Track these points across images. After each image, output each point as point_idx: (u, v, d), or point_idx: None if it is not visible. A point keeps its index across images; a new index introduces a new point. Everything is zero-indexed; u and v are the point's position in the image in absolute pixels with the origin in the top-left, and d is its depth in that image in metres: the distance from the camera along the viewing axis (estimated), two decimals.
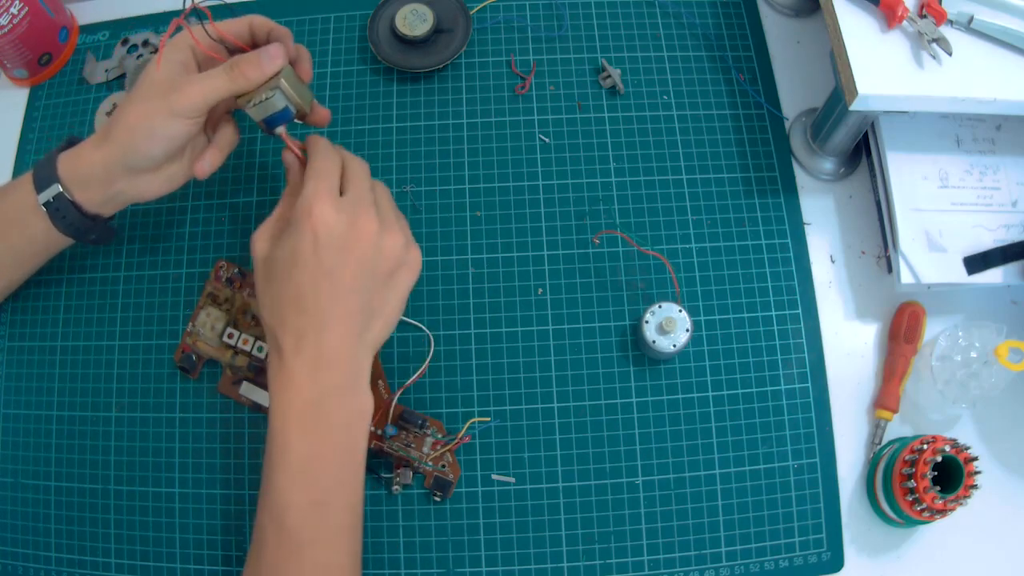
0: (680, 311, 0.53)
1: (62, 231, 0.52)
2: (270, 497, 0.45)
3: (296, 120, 0.52)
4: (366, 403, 0.47)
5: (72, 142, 0.52)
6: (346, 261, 0.46)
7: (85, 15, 0.69)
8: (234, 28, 0.51)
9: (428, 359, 0.56)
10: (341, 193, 0.48)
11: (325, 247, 0.45)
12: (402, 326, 0.57)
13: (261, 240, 0.49)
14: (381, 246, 0.47)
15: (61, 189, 0.50)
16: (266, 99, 0.49)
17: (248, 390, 0.55)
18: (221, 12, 0.67)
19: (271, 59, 0.49)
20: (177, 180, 0.53)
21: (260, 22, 0.51)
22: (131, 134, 0.49)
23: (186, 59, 0.50)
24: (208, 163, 0.52)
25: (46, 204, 0.50)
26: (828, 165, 0.61)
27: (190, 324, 0.57)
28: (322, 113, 0.54)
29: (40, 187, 0.50)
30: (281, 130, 0.51)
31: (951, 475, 0.49)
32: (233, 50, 0.51)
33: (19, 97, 0.67)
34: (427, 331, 0.57)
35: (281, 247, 0.47)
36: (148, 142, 0.49)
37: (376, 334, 0.48)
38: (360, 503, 0.47)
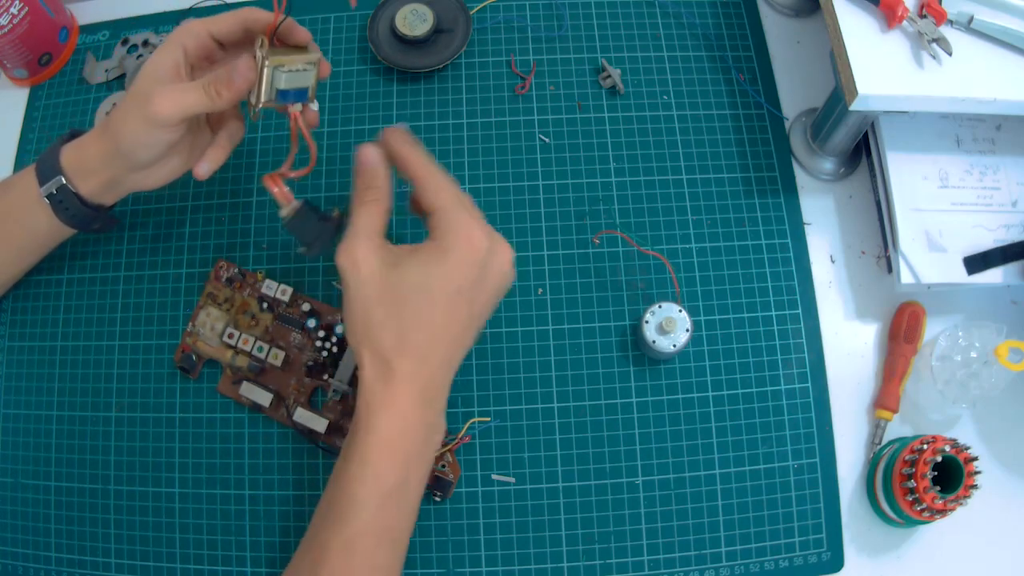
0: (680, 311, 0.53)
1: (65, 222, 0.52)
2: (346, 520, 0.44)
3: (289, 109, 0.49)
4: (443, 433, 0.47)
5: (75, 134, 0.52)
6: (485, 288, 0.45)
7: (85, 15, 0.69)
8: (226, 26, 0.49)
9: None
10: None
11: (480, 275, 0.45)
12: None
13: (369, 255, 0.45)
14: (509, 271, 0.47)
15: (64, 181, 0.50)
16: (302, 70, 0.48)
17: (248, 390, 0.55)
18: (221, 12, 0.67)
19: (241, 77, 0.46)
20: (177, 171, 0.53)
21: (255, 15, 0.49)
22: (119, 136, 0.49)
23: (176, 60, 0.48)
24: (207, 165, 0.51)
25: (49, 196, 0.51)
26: (828, 165, 0.61)
27: (190, 324, 0.57)
28: (312, 114, 0.52)
29: (43, 179, 0.50)
30: (296, 108, 0.49)
31: (951, 475, 0.49)
32: (229, 46, 0.50)
33: (19, 97, 0.67)
34: None
35: (424, 268, 0.44)
36: (132, 146, 0.49)
37: (461, 358, 0.47)
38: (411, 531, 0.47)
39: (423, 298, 0.44)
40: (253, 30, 0.49)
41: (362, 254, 0.45)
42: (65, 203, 0.51)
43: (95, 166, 0.50)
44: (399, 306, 0.44)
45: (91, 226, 0.53)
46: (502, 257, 0.46)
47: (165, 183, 0.53)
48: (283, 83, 0.47)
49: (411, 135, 0.48)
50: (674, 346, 0.53)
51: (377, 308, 0.45)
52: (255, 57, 0.47)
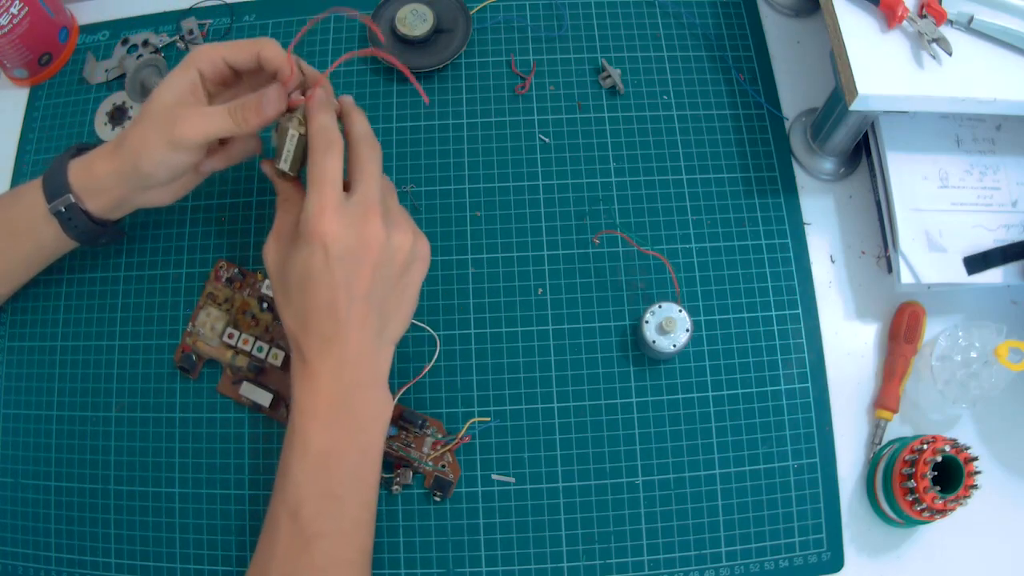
0: (680, 311, 0.53)
1: (73, 238, 0.52)
2: (286, 490, 0.46)
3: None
4: (385, 402, 0.48)
5: (81, 149, 0.53)
6: (359, 271, 0.46)
7: (85, 15, 0.69)
8: (242, 56, 0.49)
9: (433, 360, 0.56)
10: (347, 188, 0.47)
11: (337, 260, 0.45)
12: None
13: (271, 252, 0.49)
14: (391, 249, 0.47)
15: (73, 199, 0.50)
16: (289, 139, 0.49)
17: (248, 390, 0.55)
18: (222, 12, 0.67)
19: (271, 106, 0.48)
20: (188, 188, 0.54)
21: (270, 54, 0.49)
22: (135, 157, 0.49)
23: (194, 82, 0.49)
24: (210, 166, 0.52)
25: (57, 213, 0.51)
26: (828, 165, 0.61)
27: (190, 324, 0.57)
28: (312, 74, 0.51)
29: (51, 196, 0.51)
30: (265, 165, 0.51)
31: (951, 475, 0.49)
32: (242, 72, 0.50)
33: (19, 97, 0.67)
34: (432, 332, 0.57)
35: (293, 262, 0.47)
36: (150, 167, 0.49)
37: (394, 331, 0.49)
38: (374, 501, 0.48)
39: (299, 286, 0.46)
40: (267, 67, 0.50)
41: (266, 251, 0.49)
42: (74, 220, 0.51)
43: (106, 185, 0.51)
44: (290, 294, 0.47)
45: (99, 241, 0.54)
46: (401, 239, 0.48)
47: (175, 200, 0.53)
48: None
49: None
50: (674, 346, 0.53)
51: (282, 300, 0.48)
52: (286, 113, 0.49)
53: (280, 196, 0.51)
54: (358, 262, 0.46)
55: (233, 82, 0.52)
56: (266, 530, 0.47)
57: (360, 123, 0.49)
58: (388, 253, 0.47)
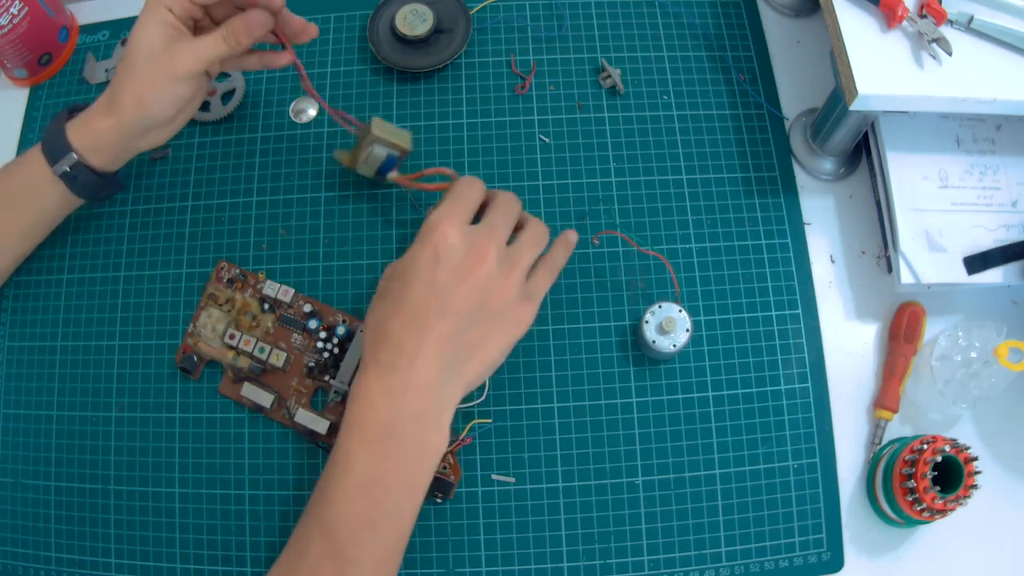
0: (680, 311, 0.53)
1: (78, 194, 0.54)
2: (323, 508, 0.45)
3: (402, 158, 0.56)
4: (441, 441, 0.47)
5: (73, 111, 0.54)
6: (458, 284, 0.46)
7: (85, 15, 0.69)
8: None
9: None
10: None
11: (443, 264, 0.46)
12: None
13: (390, 266, 0.49)
14: (492, 285, 0.47)
15: (76, 157, 0.52)
16: (369, 155, 0.54)
17: (249, 391, 0.55)
18: None
19: (259, 25, 0.50)
20: (182, 124, 0.55)
21: None
22: (141, 102, 0.51)
23: (168, 20, 0.50)
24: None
25: (63, 175, 0.52)
26: (828, 165, 0.61)
27: (191, 325, 0.57)
28: (307, 30, 0.55)
29: (54, 159, 0.52)
30: (393, 175, 0.55)
31: (951, 475, 0.49)
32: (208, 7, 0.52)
33: (19, 97, 0.67)
34: None
35: (403, 260, 0.47)
36: (160, 106, 0.51)
37: (469, 373, 0.47)
38: (409, 532, 0.47)
39: (398, 286, 0.47)
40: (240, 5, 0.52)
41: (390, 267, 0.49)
42: (80, 178, 0.53)
43: (108, 139, 0.52)
44: (386, 296, 0.48)
45: (101, 195, 0.56)
46: (505, 284, 0.47)
47: (171, 137, 0.55)
48: (368, 172, 0.55)
49: None
50: (674, 346, 0.53)
51: (376, 303, 0.48)
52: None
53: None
54: (460, 277, 0.46)
55: (206, 24, 0.53)
56: (295, 543, 0.46)
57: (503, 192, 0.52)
58: (488, 286, 0.47)
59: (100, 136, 0.52)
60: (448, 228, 0.46)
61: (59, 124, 0.52)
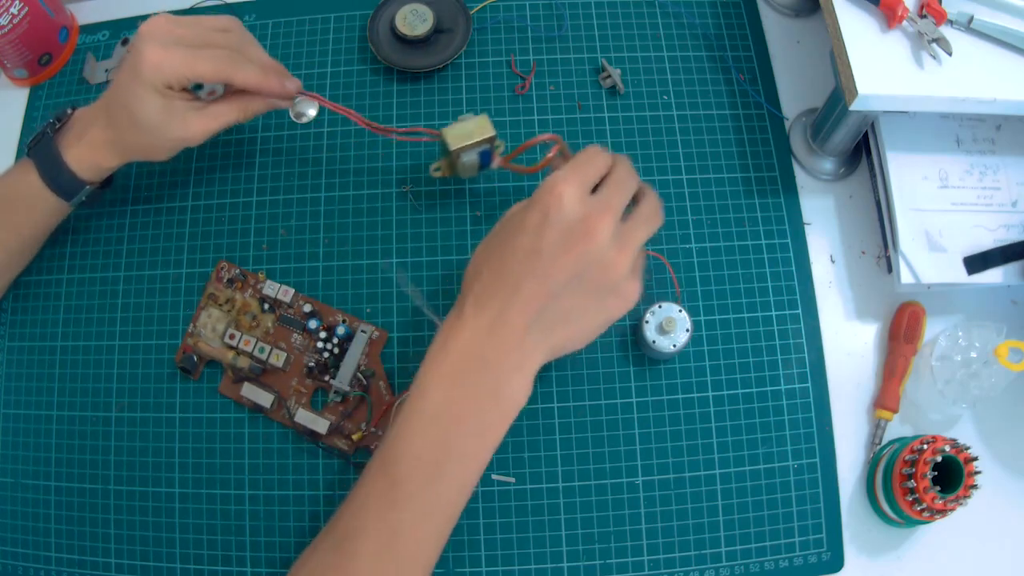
0: (680, 311, 0.53)
1: (76, 207, 0.56)
2: (388, 441, 0.45)
3: (493, 144, 0.55)
4: (522, 387, 0.45)
5: (60, 118, 0.54)
6: (561, 251, 0.44)
7: (85, 15, 0.69)
8: (208, 76, 0.51)
9: None
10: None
11: (550, 227, 0.44)
12: (407, 325, 0.57)
13: (512, 208, 0.48)
14: (601, 257, 0.45)
15: (90, 188, 0.55)
16: (462, 165, 0.54)
17: (249, 391, 0.55)
18: (222, 12, 0.67)
19: (270, 105, 0.54)
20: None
21: (241, 80, 0.52)
22: (149, 152, 0.54)
23: (169, 98, 0.51)
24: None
25: (79, 204, 0.56)
26: (828, 165, 0.61)
27: (191, 325, 0.57)
28: (285, 86, 0.54)
29: (68, 194, 0.54)
30: (496, 163, 0.55)
31: (951, 475, 0.49)
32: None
33: (19, 97, 0.67)
34: (437, 319, 0.57)
35: (515, 214, 0.46)
36: (167, 153, 0.54)
37: (557, 340, 0.46)
38: (469, 491, 0.45)
39: (504, 236, 0.46)
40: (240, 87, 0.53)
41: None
42: (88, 200, 0.56)
43: (111, 166, 0.54)
44: (490, 242, 0.47)
45: (96, 200, 0.58)
46: (616, 259, 0.45)
47: None
48: (470, 174, 0.55)
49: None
50: (674, 346, 0.53)
51: (481, 247, 0.48)
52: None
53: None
54: (567, 241, 0.44)
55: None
56: (360, 479, 0.45)
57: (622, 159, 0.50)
58: (596, 258, 0.45)
59: (109, 168, 0.55)
60: (564, 192, 0.44)
61: (52, 145, 0.52)
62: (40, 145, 0.53)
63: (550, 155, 0.52)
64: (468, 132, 0.54)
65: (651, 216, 0.48)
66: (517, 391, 0.45)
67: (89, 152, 0.53)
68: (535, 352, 0.45)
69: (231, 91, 0.53)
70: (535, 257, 0.44)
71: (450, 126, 0.54)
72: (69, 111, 0.54)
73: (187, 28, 0.51)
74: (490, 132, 0.54)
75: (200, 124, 0.52)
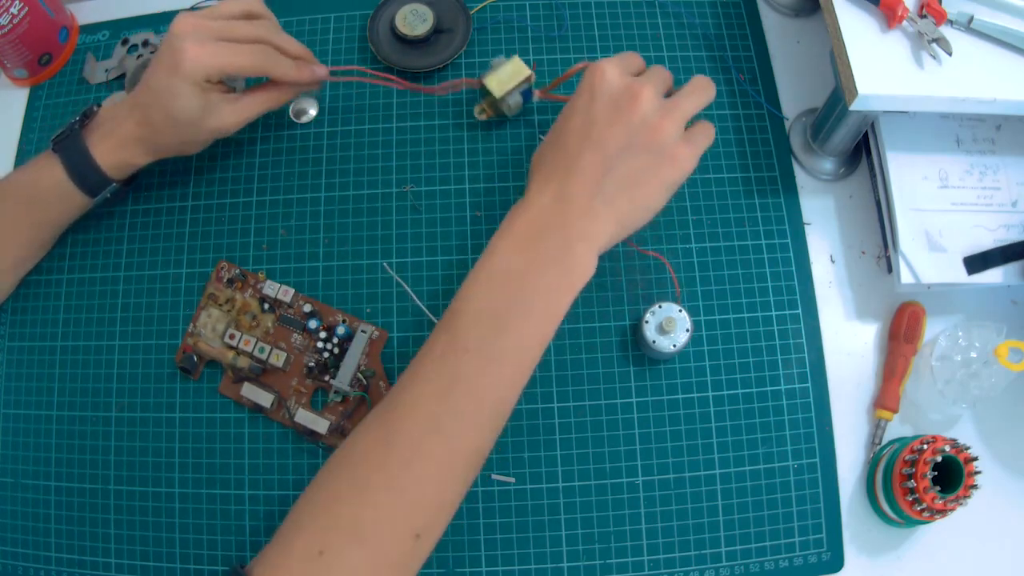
0: (680, 311, 0.53)
1: (98, 204, 0.58)
2: (451, 304, 0.47)
3: (531, 82, 0.59)
4: (587, 262, 0.47)
5: (87, 114, 0.54)
6: (613, 119, 0.47)
7: (85, 15, 0.69)
8: (246, 67, 0.53)
9: None
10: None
11: (597, 100, 0.48)
12: (407, 325, 0.57)
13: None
14: (649, 121, 0.48)
15: (116, 185, 0.56)
16: (509, 107, 0.59)
17: (249, 391, 0.55)
18: None
19: (307, 85, 0.57)
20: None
21: (280, 73, 0.54)
22: (181, 147, 0.56)
23: (207, 91, 0.52)
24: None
25: (104, 201, 0.57)
26: (828, 165, 0.61)
27: (191, 325, 0.57)
28: (316, 73, 0.57)
29: (93, 190, 0.55)
30: (537, 96, 0.60)
31: (951, 475, 0.49)
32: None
33: (19, 97, 0.67)
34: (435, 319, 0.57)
35: (566, 107, 0.50)
36: (200, 146, 0.57)
37: (622, 207, 0.48)
38: (535, 351, 0.46)
39: (560, 121, 0.49)
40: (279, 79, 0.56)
41: None
42: (113, 197, 0.57)
43: (140, 163, 0.56)
44: (549, 135, 0.51)
45: (119, 198, 0.60)
46: (664, 123, 0.48)
47: None
48: (515, 111, 0.60)
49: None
50: (674, 346, 0.53)
51: (542, 144, 0.51)
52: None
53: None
54: (616, 112, 0.48)
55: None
56: (427, 341, 0.47)
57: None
58: (644, 121, 0.48)
59: (137, 165, 0.56)
60: (607, 69, 0.48)
61: (80, 142, 0.53)
62: (68, 141, 0.53)
63: None
64: (508, 76, 0.58)
65: (697, 89, 0.51)
66: (583, 259, 0.46)
67: (118, 149, 0.54)
68: (600, 221, 0.47)
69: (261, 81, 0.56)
70: (588, 129, 0.47)
71: (489, 74, 0.58)
72: (96, 108, 0.55)
73: (217, 21, 0.52)
74: (526, 72, 0.58)
75: (235, 115, 0.54)
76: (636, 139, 0.47)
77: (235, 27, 0.53)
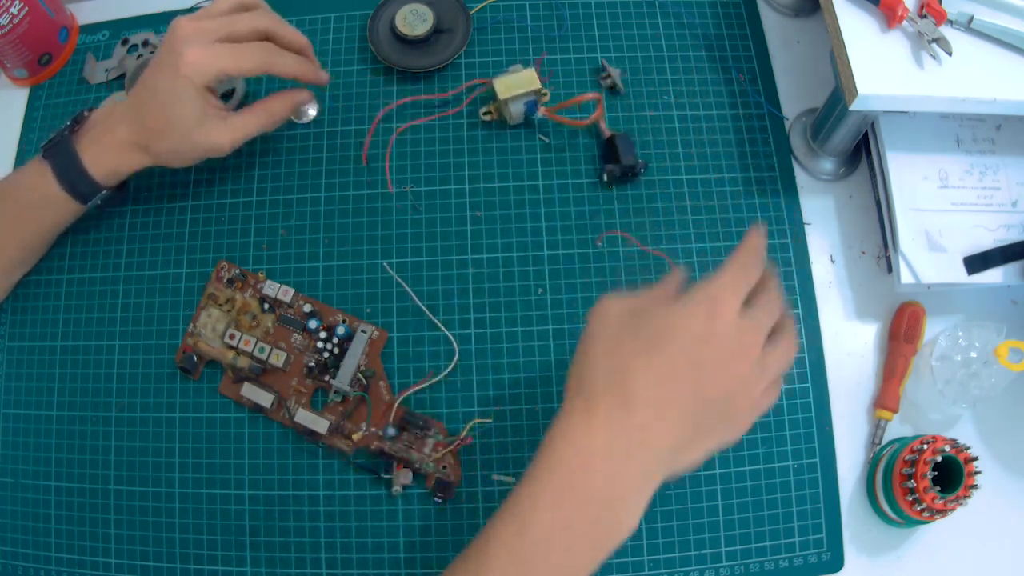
0: None
1: (92, 210, 0.57)
2: (481, 557, 0.39)
3: (538, 95, 0.59)
4: (633, 523, 0.40)
5: (77, 120, 0.54)
6: (719, 370, 0.40)
7: (85, 15, 0.69)
8: (247, 69, 0.52)
9: (453, 363, 0.56)
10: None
11: (714, 341, 0.40)
12: (407, 325, 0.57)
13: (618, 304, 0.43)
14: (745, 384, 0.41)
15: (106, 192, 0.55)
16: (509, 113, 0.59)
17: (249, 391, 0.55)
18: None
19: (301, 102, 0.57)
20: None
21: (287, 72, 0.54)
22: (173, 156, 0.54)
23: (207, 99, 0.52)
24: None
25: (95, 207, 0.56)
26: (828, 165, 0.61)
27: (191, 325, 0.57)
28: (319, 76, 0.57)
29: (84, 197, 0.54)
30: (541, 112, 0.59)
31: (951, 475, 0.49)
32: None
33: (19, 97, 0.67)
34: (448, 333, 0.56)
35: (659, 310, 0.41)
36: (191, 160, 0.55)
37: (684, 462, 0.41)
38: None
39: (651, 334, 0.40)
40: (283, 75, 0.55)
41: (611, 303, 0.43)
42: (104, 203, 0.56)
43: (133, 171, 0.55)
44: (626, 336, 0.41)
45: (112, 204, 0.58)
46: (755, 382, 0.41)
47: None
48: (518, 119, 0.60)
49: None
50: None
51: (611, 335, 0.41)
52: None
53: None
54: (724, 364, 0.40)
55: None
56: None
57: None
58: (742, 385, 0.41)
59: (128, 172, 0.55)
60: (730, 304, 0.40)
61: (75, 159, 0.52)
62: (57, 147, 0.53)
63: (595, 115, 0.59)
64: (517, 83, 0.59)
65: (789, 349, 0.44)
66: (629, 523, 0.40)
67: (108, 153, 0.53)
68: (656, 476, 0.40)
69: (255, 100, 0.56)
70: (697, 368, 0.40)
71: (501, 76, 0.59)
72: (85, 113, 0.54)
73: (215, 21, 0.51)
74: (536, 84, 0.59)
75: (226, 133, 0.53)
76: (728, 398, 0.41)
77: (234, 22, 0.52)
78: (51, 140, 0.53)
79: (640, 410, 0.39)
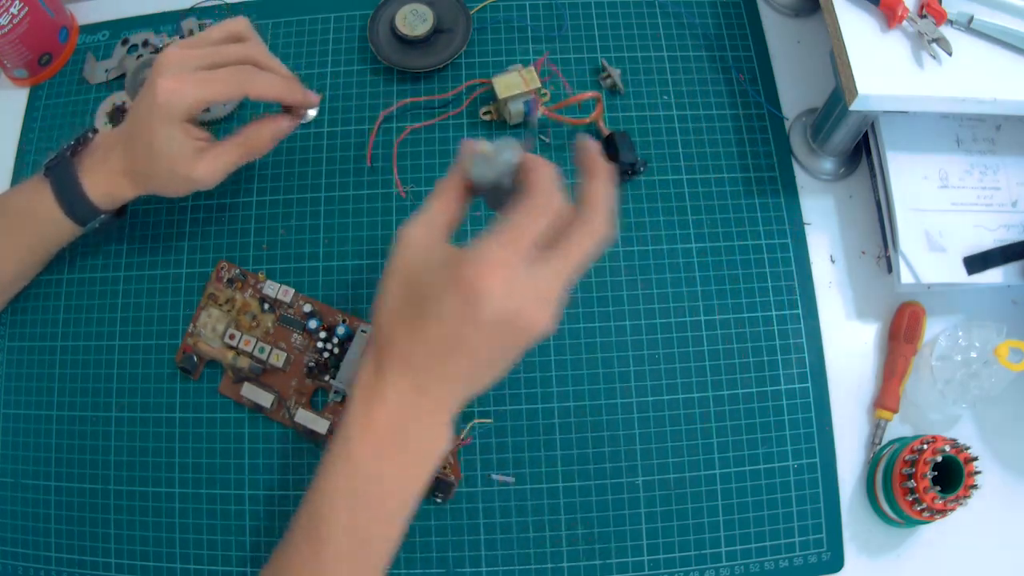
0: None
1: (91, 233, 0.56)
2: (313, 500, 0.43)
3: (537, 96, 0.59)
4: (444, 441, 0.43)
5: (80, 140, 0.53)
6: (490, 343, 0.40)
7: (85, 15, 0.69)
8: (223, 97, 0.50)
9: None
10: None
11: (477, 320, 0.38)
12: None
13: (417, 239, 0.42)
14: (536, 337, 0.40)
15: (104, 216, 0.54)
16: (508, 112, 0.59)
17: (249, 391, 0.55)
18: (222, 12, 0.67)
19: (282, 134, 0.54)
20: None
21: (256, 92, 0.51)
22: (162, 186, 0.53)
23: (187, 133, 0.50)
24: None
25: (93, 231, 0.55)
26: (828, 165, 0.61)
27: (191, 325, 0.57)
28: (308, 96, 0.54)
29: (82, 219, 0.53)
30: (540, 112, 0.59)
31: (951, 475, 0.49)
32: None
33: (19, 97, 0.67)
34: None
35: (432, 277, 0.40)
36: (181, 191, 0.53)
37: (475, 389, 0.43)
38: (401, 525, 0.43)
39: (421, 301, 0.40)
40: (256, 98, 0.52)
41: (410, 235, 0.42)
42: (102, 227, 0.55)
43: (127, 196, 0.54)
44: (405, 300, 0.41)
45: (110, 227, 0.57)
46: (548, 332, 0.40)
47: None
48: (520, 106, 0.59)
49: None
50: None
51: (392, 294, 0.42)
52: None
53: (449, 178, 0.44)
54: (498, 336, 0.39)
55: None
56: (282, 544, 0.45)
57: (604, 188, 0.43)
58: (531, 340, 0.40)
59: (121, 199, 0.54)
60: (494, 282, 0.38)
61: (75, 182, 0.52)
62: (59, 168, 0.52)
63: (595, 114, 0.59)
64: (516, 82, 0.59)
65: (579, 251, 0.41)
66: (440, 441, 0.43)
67: (107, 180, 0.52)
68: (456, 405, 0.43)
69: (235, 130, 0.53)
70: (462, 344, 0.40)
71: (500, 75, 0.59)
72: (91, 134, 0.54)
73: (199, 48, 0.50)
74: (535, 84, 0.59)
75: (203, 166, 0.51)
76: (511, 352, 0.41)
77: (220, 52, 0.50)
78: (53, 158, 0.53)
79: (411, 369, 0.41)
